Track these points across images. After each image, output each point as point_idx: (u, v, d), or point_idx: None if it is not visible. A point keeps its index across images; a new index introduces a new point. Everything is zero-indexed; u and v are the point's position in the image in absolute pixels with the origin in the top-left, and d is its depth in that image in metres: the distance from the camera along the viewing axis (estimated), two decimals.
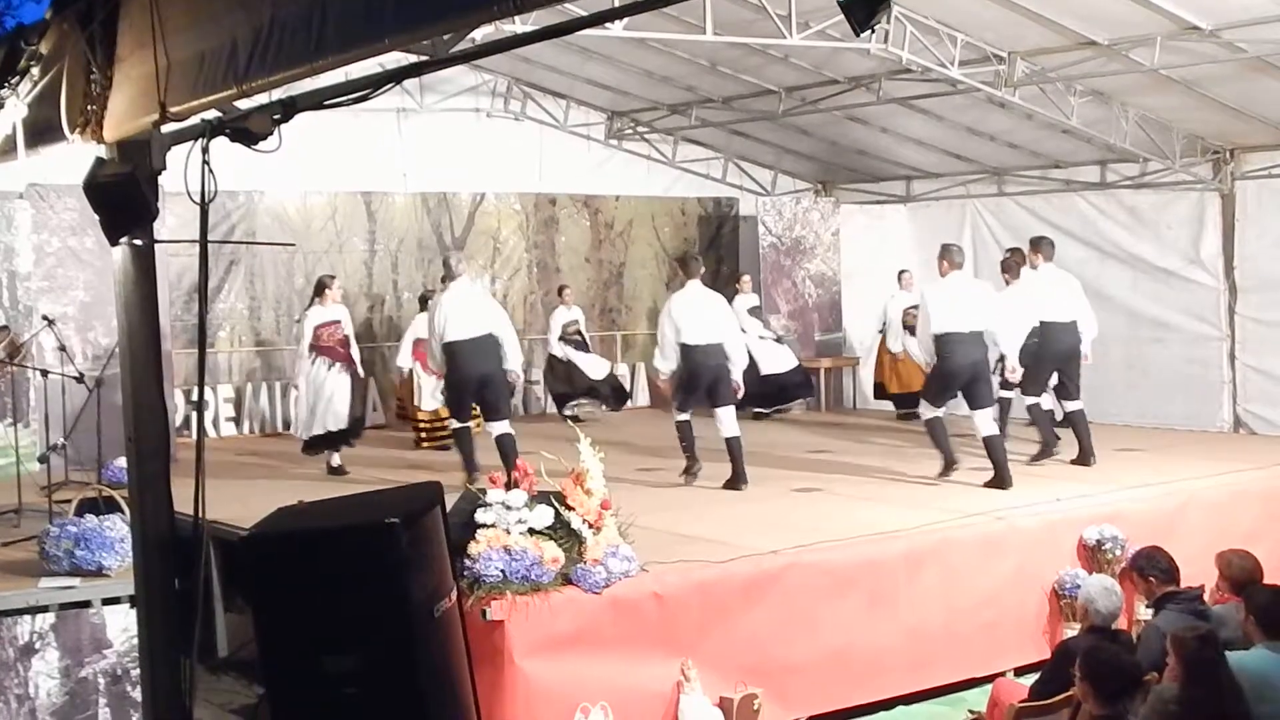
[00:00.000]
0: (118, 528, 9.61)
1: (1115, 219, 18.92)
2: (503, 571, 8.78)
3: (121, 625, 9.28)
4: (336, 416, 14.38)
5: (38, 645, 9.15)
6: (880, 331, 19.69)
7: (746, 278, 20.19)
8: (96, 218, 5.54)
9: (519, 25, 11.84)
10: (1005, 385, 14.94)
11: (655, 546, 9.96)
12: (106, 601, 9.38)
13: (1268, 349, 17.46)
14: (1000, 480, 12.89)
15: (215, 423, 18.28)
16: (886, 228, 21.91)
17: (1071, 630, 10.66)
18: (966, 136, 19.01)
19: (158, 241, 5.77)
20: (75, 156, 5.82)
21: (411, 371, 16.95)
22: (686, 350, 13.25)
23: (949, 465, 13.38)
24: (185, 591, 5.78)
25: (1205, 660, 6.99)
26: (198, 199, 5.11)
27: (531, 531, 9.10)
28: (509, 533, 9.00)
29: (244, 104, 5.23)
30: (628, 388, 21.10)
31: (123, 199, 5.45)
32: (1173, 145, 17.18)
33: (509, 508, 9.12)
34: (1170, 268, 18.35)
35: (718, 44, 15.68)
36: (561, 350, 19.03)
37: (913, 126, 19.03)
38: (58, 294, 15.85)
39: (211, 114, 5.28)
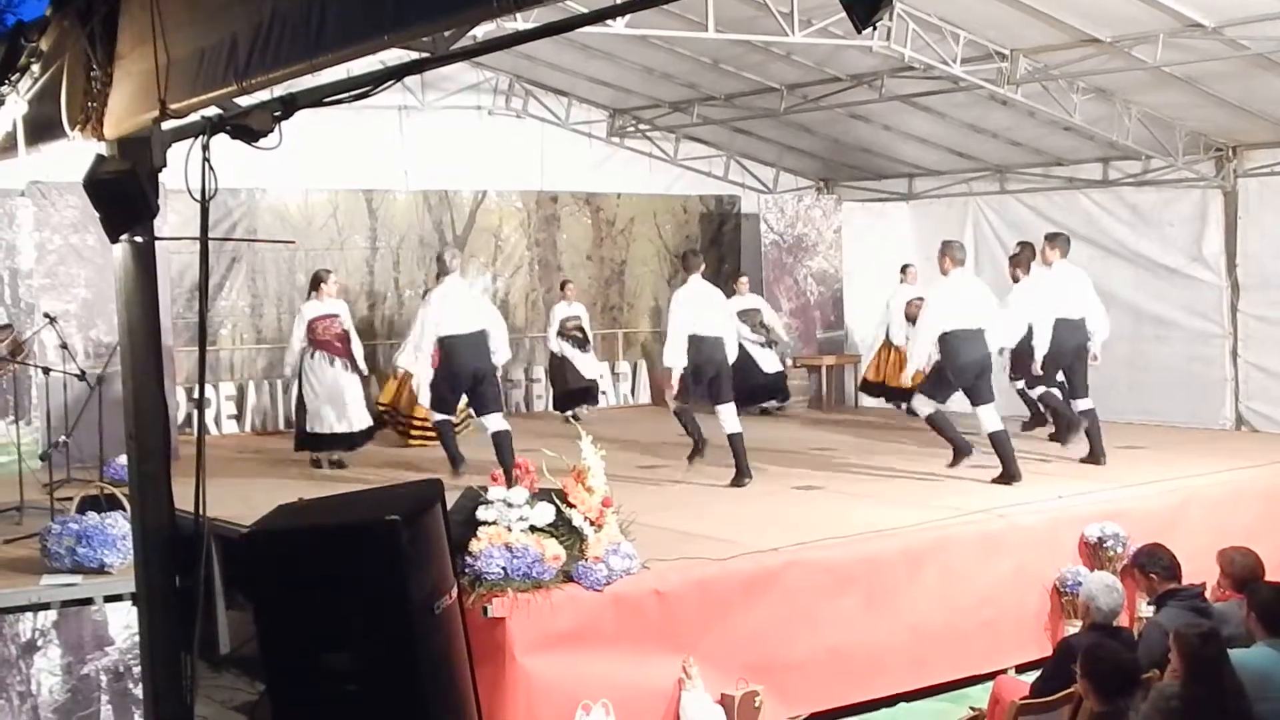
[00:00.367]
0: (119, 525, 9.60)
1: (1118, 216, 18.91)
2: (504, 569, 8.78)
3: (123, 622, 9.28)
4: (353, 419, 14.36)
5: (40, 642, 9.15)
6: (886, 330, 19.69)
7: (745, 279, 20.12)
8: (97, 215, 5.54)
9: (520, 22, 11.83)
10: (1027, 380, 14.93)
11: (656, 544, 9.96)
12: (108, 599, 9.38)
13: (1270, 346, 17.45)
14: (1008, 475, 12.90)
15: (217, 420, 18.27)
16: (888, 225, 21.91)
17: (1073, 627, 10.66)
18: (969, 134, 19.00)
19: (158, 239, 5.77)
20: (76, 153, 5.82)
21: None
22: (694, 342, 13.27)
23: (961, 453, 13.35)
24: (186, 589, 5.78)
25: (1207, 658, 6.99)
26: (198, 196, 5.11)
27: (533, 529, 9.09)
28: (510, 530, 9.00)
29: (244, 101, 5.23)
30: (628, 387, 21.10)
31: (123, 196, 5.45)
32: (1175, 143, 17.17)
33: (510, 505, 9.12)
34: (1173, 265, 18.35)
35: (720, 41, 15.66)
36: (558, 346, 19.00)
37: (915, 124, 19.02)
38: (59, 291, 15.85)
39: (212, 111, 5.28)
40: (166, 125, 5.42)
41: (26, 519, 11.44)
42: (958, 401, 13.62)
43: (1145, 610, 10.42)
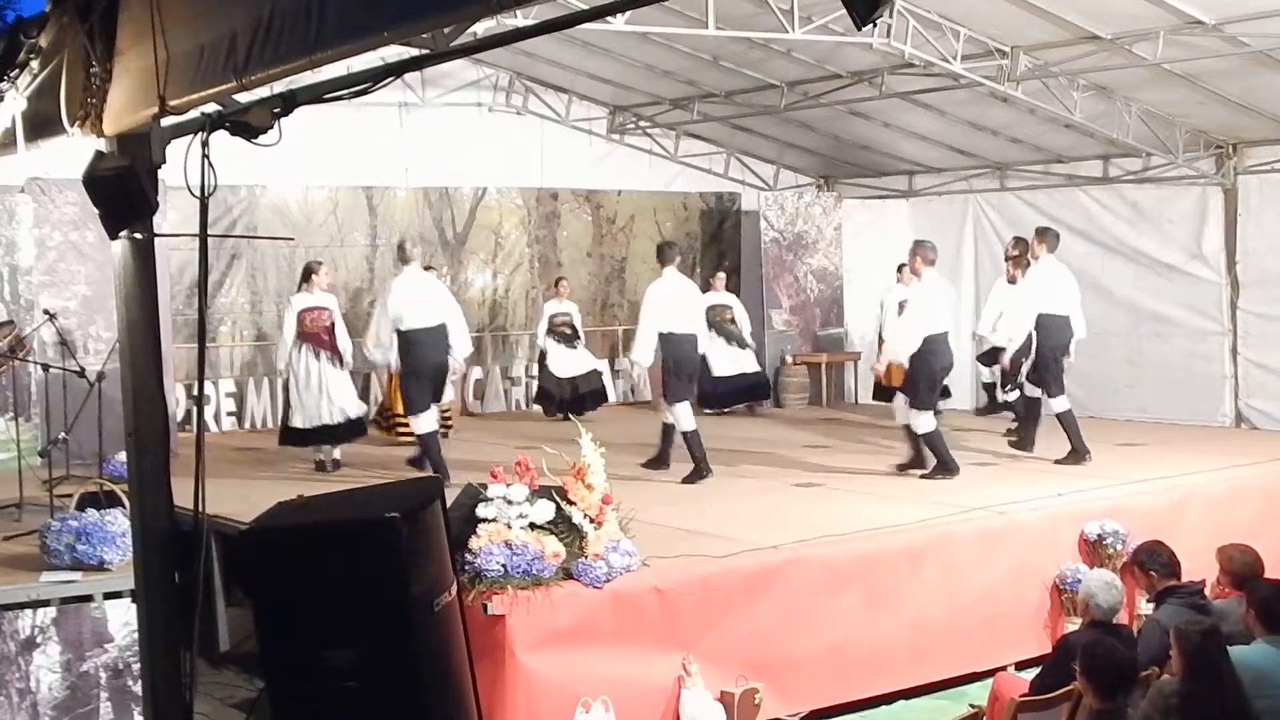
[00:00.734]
0: (119, 522, 9.59)
1: (1117, 214, 18.92)
2: (504, 566, 8.78)
3: (122, 619, 9.27)
4: (335, 411, 14.32)
5: (39, 639, 9.15)
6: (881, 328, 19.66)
7: (722, 275, 20.14)
8: (97, 211, 5.54)
9: (520, 19, 11.84)
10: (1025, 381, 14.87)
11: (656, 541, 9.98)
12: (108, 596, 9.37)
13: (1269, 344, 17.47)
14: (914, 463, 13.14)
15: (216, 417, 18.28)
16: (888, 223, 21.90)
17: (1072, 625, 10.67)
18: (969, 131, 19.01)
19: (158, 235, 5.75)
20: (75, 150, 5.81)
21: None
22: (670, 339, 13.20)
23: (946, 470, 13.19)
24: (186, 586, 5.77)
25: (1208, 654, 6.99)
26: (198, 193, 5.10)
27: (533, 526, 9.10)
28: (510, 527, 9.00)
29: (244, 97, 5.23)
30: (628, 385, 21.11)
31: (122, 193, 5.44)
32: (1175, 140, 17.18)
33: (510, 502, 9.12)
34: (1172, 262, 18.36)
35: (720, 38, 15.67)
36: (544, 343, 18.94)
37: (915, 121, 19.02)
38: (59, 288, 15.86)
39: (211, 107, 5.27)
40: (166, 122, 5.41)
41: (26, 516, 11.43)
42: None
43: (1145, 607, 10.43)
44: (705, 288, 18.78)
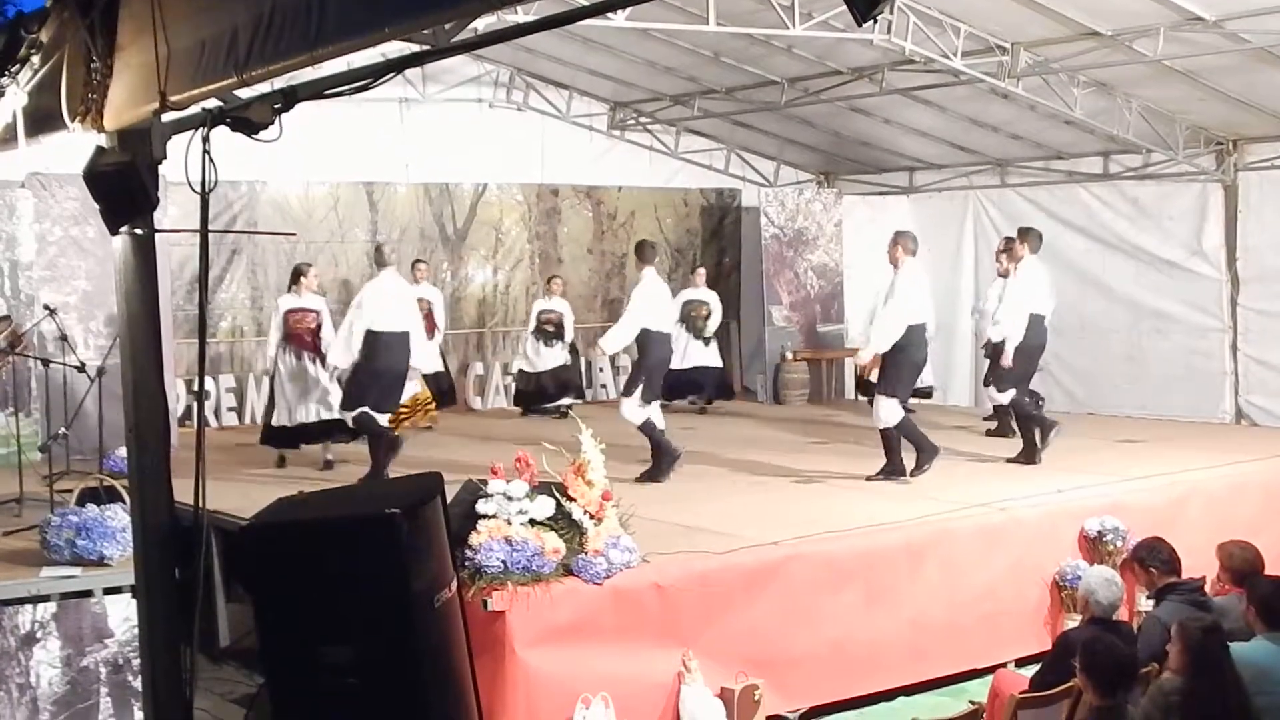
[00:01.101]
0: (119, 517, 9.60)
1: (1118, 210, 18.93)
2: (504, 562, 8.78)
3: (123, 615, 9.27)
4: (313, 410, 14.26)
5: (39, 634, 9.14)
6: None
7: (702, 271, 20.12)
8: (97, 207, 5.54)
9: (521, 15, 11.84)
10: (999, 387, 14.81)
11: (656, 537, 9.98)
12: (108, 591, 9.37)
13: (1269, 340, 17.48)
14: (891, 471, 12.97)
15: (216, 413, 18.28)
16: (889, 219, 21.80)
17: (1072, 621, 10.67)
18: (969, 127, 19.01)
19: (158, 231, 5.75)
20: (76, 145, 5.80)
21: None
22: (650, 337, 13.14)
23: (929, 455, 13.09)
24: (186, 581, 5.77)
25: (1210, 651, 7.01)
26: (198, 188, 5.10)
27: (533, 522, 9.10)
28: (510, 523, 9.01)
29: (245, 93, 5.22)
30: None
31: (123, 188, 5.44)
32: (1175, 136, 17.19)
33: (510, 498, 9.12)
34: (1172, 259, 18.37)
35: (720, 34, 15.69)
36: (527, 338, 18.94)
37: (915, 117, 19.02)
38: (59, 283, 15.84)
39: (212, 103, 5.27)
40: (167, 117, 5.40)
41: (26, 511, 11.45)
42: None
43: (1145, 604, 10.44)
44: (686, 283, 18.81)
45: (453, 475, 7.61)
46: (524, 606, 8.75)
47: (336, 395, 14.26)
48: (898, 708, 10.28)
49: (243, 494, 10.72)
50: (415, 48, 9.14)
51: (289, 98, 5.14)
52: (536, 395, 18.90)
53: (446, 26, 10.48)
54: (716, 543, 10.07)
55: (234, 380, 18.56)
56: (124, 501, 9.80)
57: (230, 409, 18.53)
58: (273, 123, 5.20)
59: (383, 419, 13.27)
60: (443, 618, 5.44)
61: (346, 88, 5.11)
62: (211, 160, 5.11)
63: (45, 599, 9.25)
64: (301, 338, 14.41)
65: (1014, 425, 14.70)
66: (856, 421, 17.82)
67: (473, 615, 7.33)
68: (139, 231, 5.66)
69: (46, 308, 13.77)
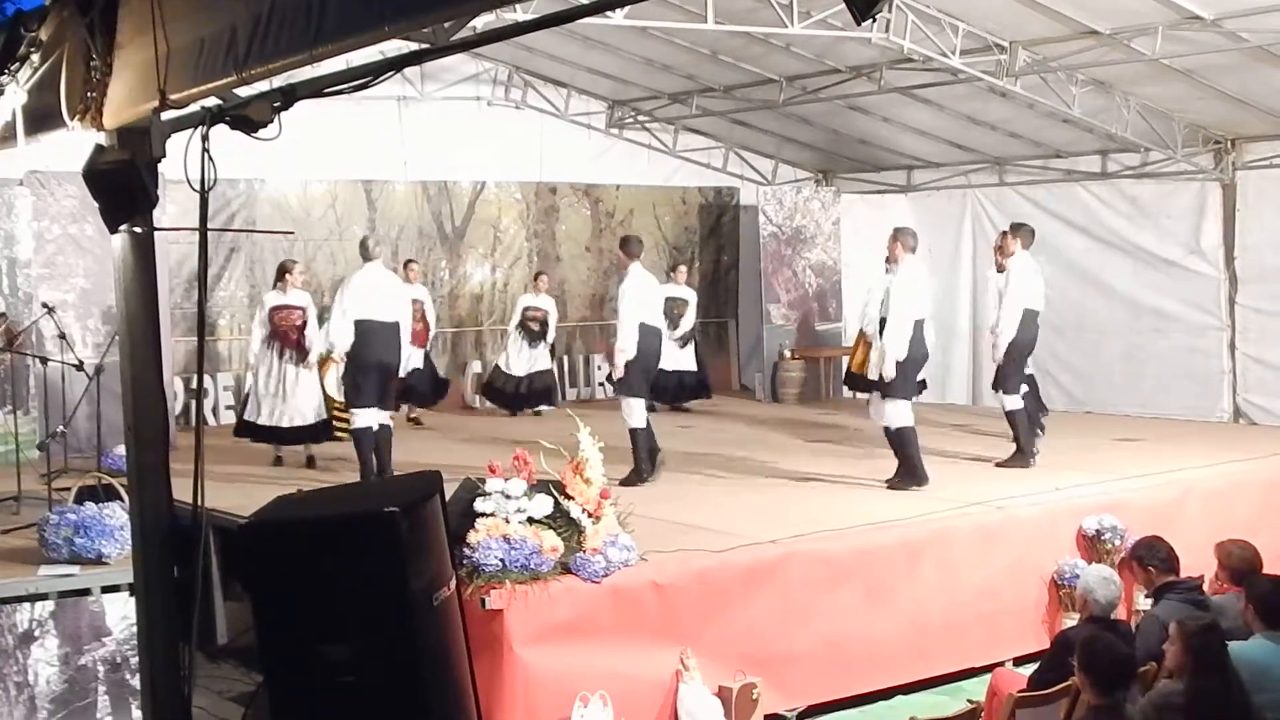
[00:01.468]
0: (117, 515, 9.60)
1: (1116, 209, 18.94)
2: (502, 560, 8.78)
3: (121, 613, 9.28)
4: (292, 414, 14.26)
5: (37, 633, 9.15)
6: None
7: (683, 268, 20.05)
8: (96, 205, 5.54)
9: (520, 13, 11.84)
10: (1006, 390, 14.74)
11: (654, 536, 9.97)
12: (106, 589, 9.38)
13: (1268, 339, 17.49)
14: (907, 477, 12.73)
15: (215, 411, 18.25)
16: (887, 217, 21.79)
17: (1070, 620, 10.67)
18: (967, 126, 19.01)
19: (157, 229, 5.75)
20: (75, 143, 5.81)
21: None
22: (641, 332, 13.13)
23: (919, 480, 12.68)
24: (184, 579, 5.77)
25: (1209, 650, 7.01)
26: (198, 186, 5.10)
27: (531, 520, 9.10)
28: (508, 522, 9.01)
29: (244, 91, 5.22)
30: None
31: (122, 186, 5.44)
32: (1174, 135, 17.19)
33: (508, 497, 9.12)
34: (1171, 258, 18.38)
35: (719, 33, 15.68)
36: (511, 334, 18.91)
37: (914, 116, 19.02)
38: (57, 281, 15.84)
39: (211, 101, 5.27)
40: (166, 116, 5.41)
41: (24, 509, 11.45)
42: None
43: (1143, 603, 10.45)
44: (664, 280, 18.84)
45: (451, 474, 7.62)
46: (522, 605, 8.75)
47: (314, 401, 14.26)
48: (896, 706, 10.28)
49: (241, 492, 10.72)
50: (414, 46, 9.14)
51: (288, 96, 5.14)
52: (511, 397, 18.86)
53: (445, 25, 10.47)
54: (715, 541, 10.07)
55: (232, 379, 18.54)
56: (122, 500, 9.82)
57: (228, 407, 18.48)
58: (272, 121, 5.20)
59: (381, 415, 13.18)
60: (441, 616, 5.44)
61: (345, 86, 5.11)
62: (211, 159, 5.11)
63: (43, 597, 9.25)
64: (286, 335, 14.39)
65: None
66: (854, 420, 17.82)
67: (471, 613, 7.32)
68: (138, 230, 5.67)
69: (45, 306, 13.75)
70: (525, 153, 20.88)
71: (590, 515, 9.28)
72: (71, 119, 5.80)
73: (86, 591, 9.38)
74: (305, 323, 14.56)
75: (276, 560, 5.21)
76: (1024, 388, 14.12)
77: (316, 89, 5.13)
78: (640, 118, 21.36)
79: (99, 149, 5.59)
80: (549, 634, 8.88)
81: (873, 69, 17.12)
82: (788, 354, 20.96)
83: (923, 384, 13.25)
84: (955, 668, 10.70)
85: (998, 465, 13.69)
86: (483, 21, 11.95)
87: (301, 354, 14.37)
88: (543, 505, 9.19)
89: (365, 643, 5.10)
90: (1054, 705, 7.81)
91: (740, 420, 18.28)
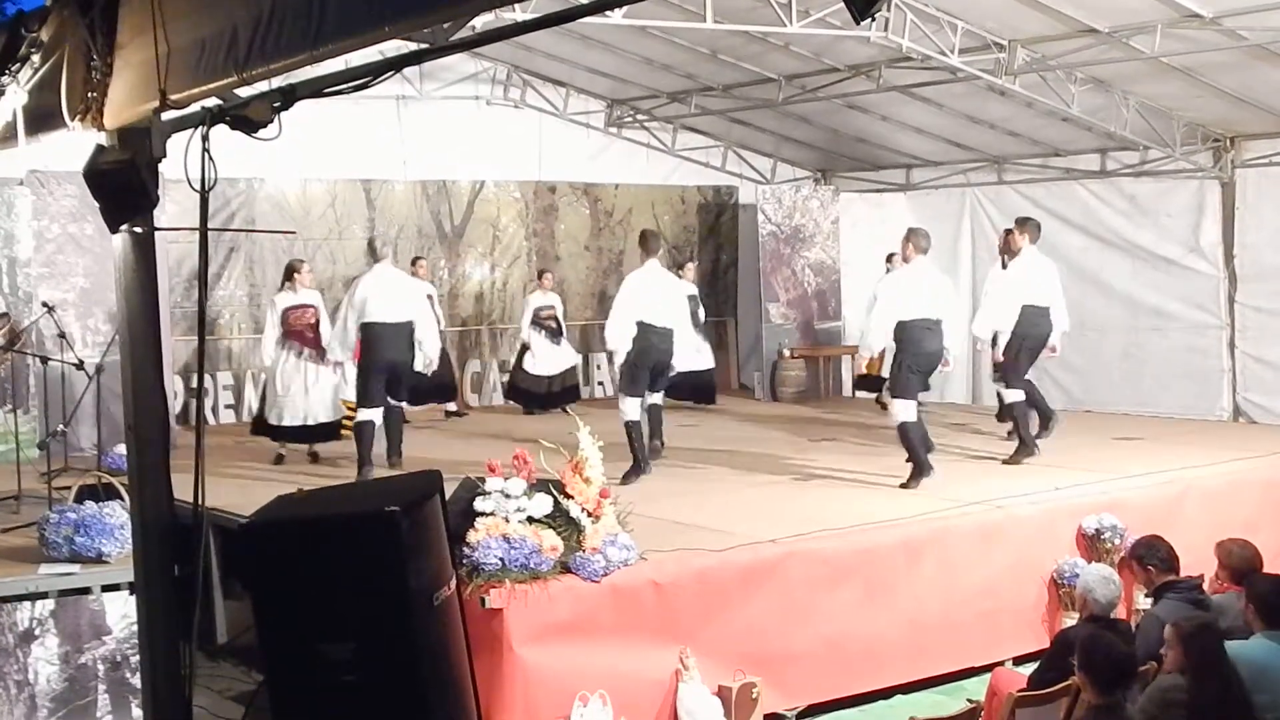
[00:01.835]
0: (117, 514, 9.61)
1: (1115, 207, 18.95)
2: (502, 560, 8.78)
3: (121, 612, 9.28)
4: (311, 413, 14.30)
5: (37, 632, 9.15)
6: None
7: (691, 266, 19.83)
8: (96, 204, 5.54)
9: (519, 13, 11.84)
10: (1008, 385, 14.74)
11: (654, 535, 9.97)
12: (106, 588, 9.38)
13: (1267, 338, 17.49)
14: (918, 474, 12.67)
15: (214, 410, 18.27)
16: (886, 216, 21.89)
17: (1070, 619, 10.67)
18: (966, 124, 19.02)
19: (158, 229, 5.76)
20: (76, 143, 5.81)
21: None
22: (640, 329, 13.12)
23: (920, 472, 12.62)
24: (185, 578, 5.78)
25: (1208, 650, 7.01)
26: (198, 186, 5.10)
27: (530, 520, 9.10)
28: (508, 521, 9.01)
29: (244, 91, 5.23)
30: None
31: (123, 186, 5.44)
32: (1173, 133, 17.20)
33: (508, 496, 9.12)
34: (1170, 256, 18.38)
35: (718, 31, 15.68)
36: (528, 335, 18.90)
37: (913, 114, 19.03)
38: (57, 280, 15.85)
39: (212, 101, 5.27)
40: (166, 116, 5.41)
41: (24, 508, 11.45)
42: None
43: (1143, 602, 10.44)
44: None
45: (451, 473, 7.63)
46: (522, 604, 8.75)
47: (329, 399, 14.31)
48: (895, 706, 10.28)
49: (241, 491, 10.72)
50: (413, 46, 9.15)
51: (288, 96, 5.15)
52: (543, 397, 18.91)
53: (445, 25, 10.47)
54: (714, 540, 10.06)
55: (232, 378, 18.55)
56: (122, 499, 9.82)
57: (228, 406, 18.53)
58: (272, 121, 5.20)
59: (370, 412, 13.33)
60: (442, 615, 5.45)
61: (345, 86, 5.11)
62: (211, 158, 5.12)
63: (43, 596, 9.26)
64: (302, 334, 14.43)
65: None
66: (854, 419, 17.85)
67: (471, 613, 7.33)
68: (138, 229, 5.67)
69: (45, 305, 13.77)
70: (524, 152, 20.88)
71: (590, 514, 9.28)
72: (72, 119, 5.81)
73: (87, 590, 9.38)
74: (318, 320, 14.61)
75: (277, 559, 5.22)
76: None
77: (316, 89, 5.13)
78: (639, 117, 21.36)
79: (99, 149, 5.59)
80: (549, 633, 8.88)
81: (871, 68, 17.13)
82: (787, 353, 20.97)
83: (925, 383, 13.17)
84: (955, 667, 10.69)
85: (1005, 463, 13.71)
86: (482, 21, 11.95)
87: (319, 351, 14.42)
88: (542, 504, 9.19)
89: (366, 642, 5.11)
90: (1054, 705, 7.82)
91: (739, 419, 18.28)
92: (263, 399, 14.87)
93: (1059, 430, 14.32)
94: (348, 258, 19.00)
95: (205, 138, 5.13)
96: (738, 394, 21.69)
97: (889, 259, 18.80)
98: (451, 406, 18.48)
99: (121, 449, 11.14)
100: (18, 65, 6.34)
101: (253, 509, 5.46)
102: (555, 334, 19.01)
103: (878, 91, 17.70)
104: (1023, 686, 8.21)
